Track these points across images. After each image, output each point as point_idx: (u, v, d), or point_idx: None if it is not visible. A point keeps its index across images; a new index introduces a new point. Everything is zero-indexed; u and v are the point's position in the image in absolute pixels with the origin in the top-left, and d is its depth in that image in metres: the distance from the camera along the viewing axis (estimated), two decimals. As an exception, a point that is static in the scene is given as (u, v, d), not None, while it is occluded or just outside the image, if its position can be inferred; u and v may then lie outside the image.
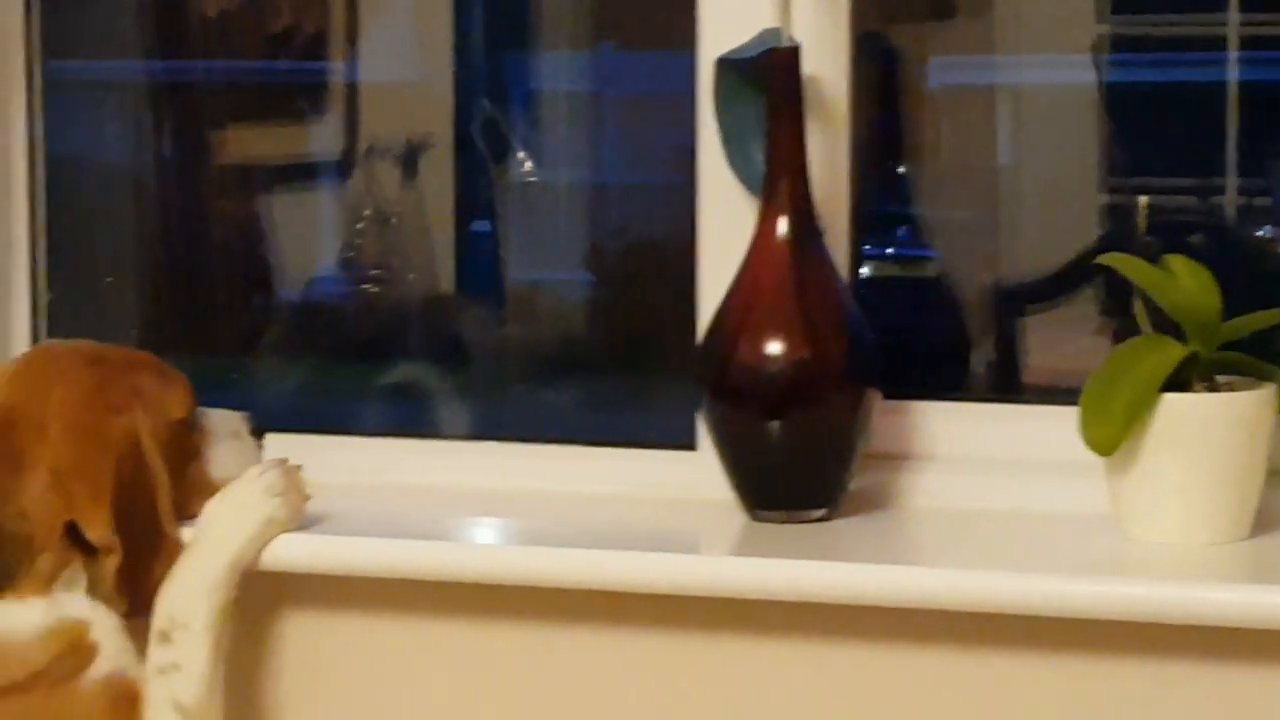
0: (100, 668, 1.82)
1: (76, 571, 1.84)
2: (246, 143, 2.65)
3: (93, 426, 1.85)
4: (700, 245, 2.07)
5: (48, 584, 1.83)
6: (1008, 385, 2.32)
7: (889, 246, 2.41)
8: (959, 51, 2.39)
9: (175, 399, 1.92)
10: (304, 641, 1.99)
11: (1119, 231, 2.40)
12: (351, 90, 2.68)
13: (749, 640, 1.86)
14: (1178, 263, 1.84)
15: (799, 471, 1.91)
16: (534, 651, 1.92)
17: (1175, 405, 1.77)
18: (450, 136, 2.64)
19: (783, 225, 1.91)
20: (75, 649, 1.82)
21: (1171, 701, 1.76)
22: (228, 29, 2.62)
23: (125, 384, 1.89)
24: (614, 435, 2.14)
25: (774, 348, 1.88)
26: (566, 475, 2.10)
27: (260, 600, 1.95)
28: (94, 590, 1.84)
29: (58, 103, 2.36)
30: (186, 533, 1.88)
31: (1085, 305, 2.31)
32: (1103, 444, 1.78)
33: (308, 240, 2.73)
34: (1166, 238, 2.33)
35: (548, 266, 2.66)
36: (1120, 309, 2.15)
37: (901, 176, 2.36)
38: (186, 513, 1.89)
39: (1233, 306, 1.83)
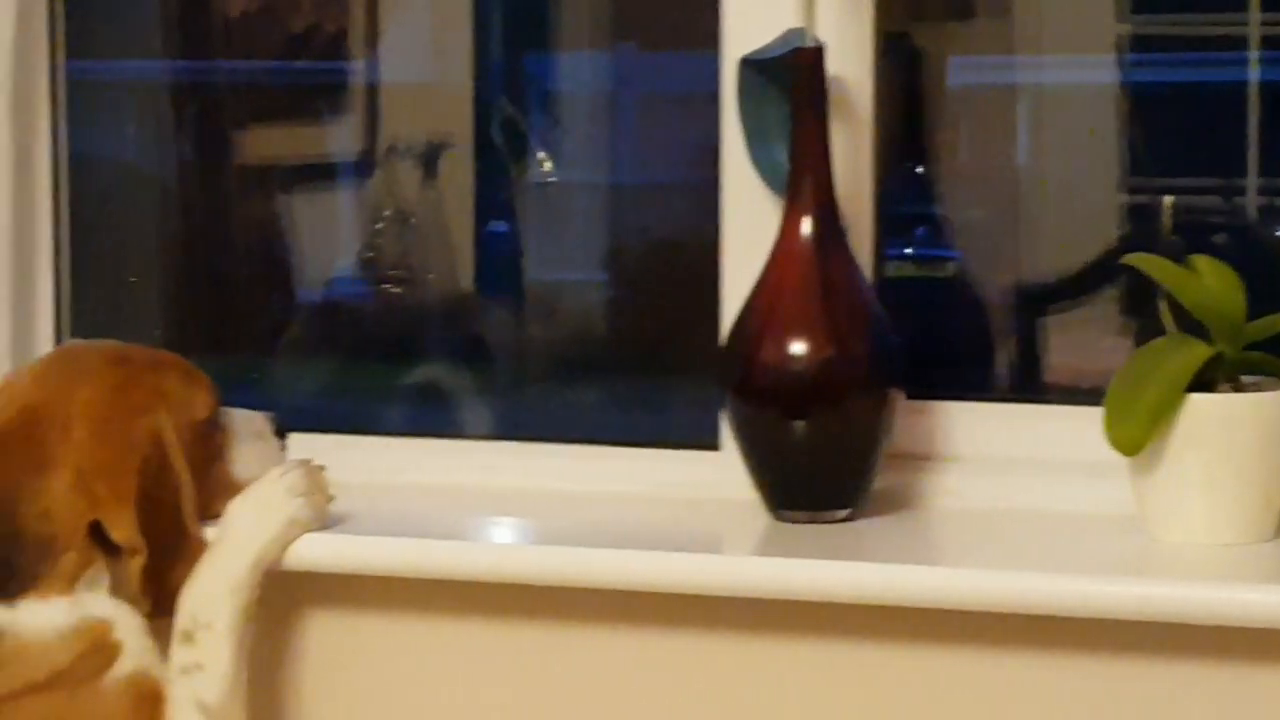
0: (123, 667, 1.82)
1: (100, 571, 1.84)
2: (267, 143, 2.65)
3: (117, 426, 1.85)
4: (724, 245, 2.07)
5: (71, 584, 1.83)
6: (1030, 385, 2.31)
7: (908, 246, 2.41)
8: (978, 51, 2.39)
9: (199, 399, 1.93)
10: (326, 641, 1.99)
11: (1140, 231, 2.39)
12: (372, 90, 2.68)
13: (772, 640, 1.86)
14: (1203, 263, 1.84)
15: (822, 471, 1.91)
16: (556, 651, 1.92)
17: (1200, 405, 1.77)
18: (470, 137, 2.64)
19: (806, 225, 1.91)
20: (98, 648, 1.82)
21: (1197, 702, 1.75)
22: (249, 29, 2.63)
23: (149, 384, 1.89)
24: (636, 435, 2.14)
25: (798, 347, 1.88)
26: (589, 475, 2.10)
27: (283, 600, 1.95)
28: (117, 590, 1.84)
29: (80, 103, 2.37)
30: (210, 533, 1.88)
31: (1106, 305, 2.31)
32: (1128, 444, 1.78)
33: (328, 240, 2.73)
34: (1190, 238, 2.33)
35: (567, 266, 2.66)
36: (1141, 309, 2.15)
37: (920, 176, 2.35)
38: (210, 513, 1.90)
39: (1256, 307, 1.82)
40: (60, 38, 2.33)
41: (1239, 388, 1.81)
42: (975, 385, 2.23)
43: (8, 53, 2.24)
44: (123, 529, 1.82)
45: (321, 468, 1.94)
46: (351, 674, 1.98)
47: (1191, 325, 1.83)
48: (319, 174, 2.69)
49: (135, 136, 2.60)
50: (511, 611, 1.93)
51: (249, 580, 1.86)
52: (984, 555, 1.85)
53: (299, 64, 2.67)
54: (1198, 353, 1.79)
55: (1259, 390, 1.80)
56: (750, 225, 2.01)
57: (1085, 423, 1.85)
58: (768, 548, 1.90)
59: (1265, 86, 2.29)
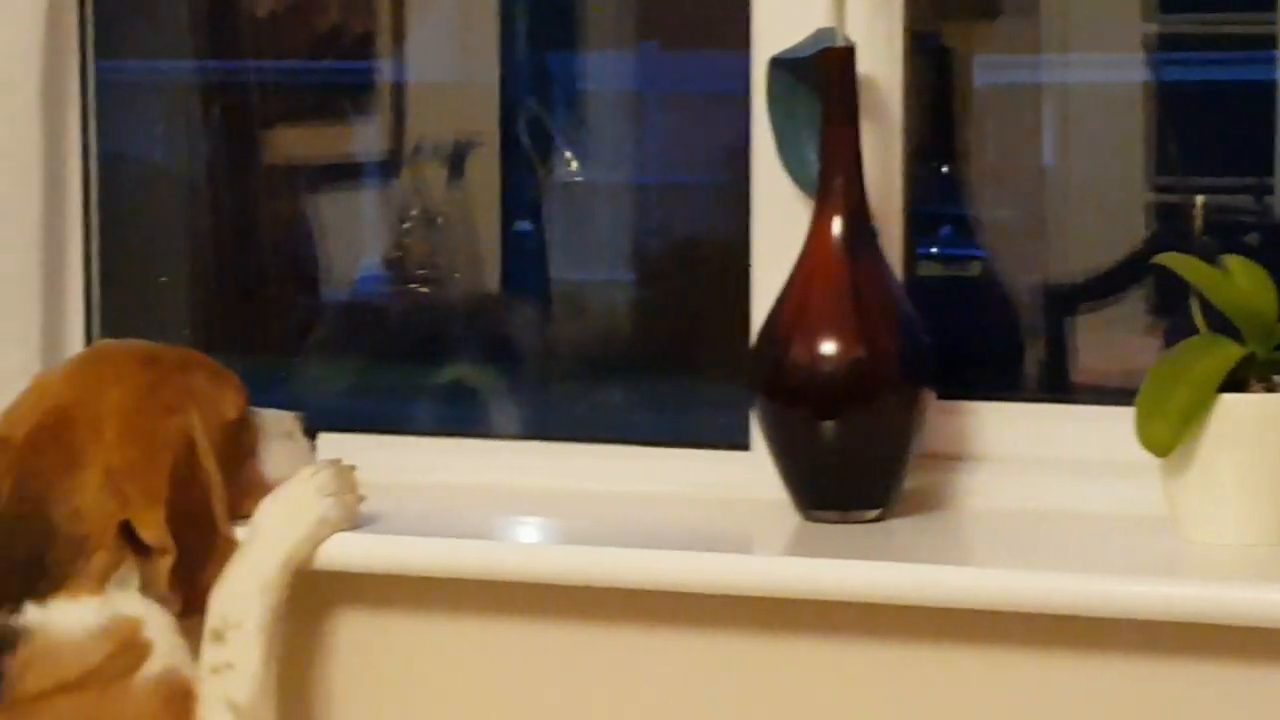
0: (154, 666, 1.82)
1: (130, 571, 1.84)
2: (295, 142, 2.65)
3: (147, 427, 1.85)
4: (754, 245, 2.07)
5: (102, 583, 1.83)
6: (1059, 385, 2.31)
7: (934, 246, 2.41)
8: (1005, 50, 2.38)
9: (229, 399, 1.93)
10: (356, 641, 1.99)
11: (1168, 230, 2.39)
12: (398, 90, 2.69)
13: (802, 640, 1.86)
14: (1235, 263, 1.84)
15: (853, 472, 1.91)
16: (584, 651, 1.92)
17: (1232, 406, 1.77)
18: (496, 136, 2.64)
19: (837, 225, 1.91)
20: (129, 647, 1.82)
21: (1228, 703, 1.75)
22: (277, 30, 2.63)
23: (179, 384, 1.89)
24: (667, 435, 2.14)
25: (828, 348, 1.88)
26: (619, 475, 2.10)
27: (313, 599, 1.95)
28: (147, 589, 1.84)
29: (109, 103, 2.37)
30: (240, 532, 1.88)
31: (1135, 305, 2.30)
32: (1159, 444, 1.77)
33: (355, 240, 2.73)
34: (1218, 237, 2.32)
35: (594, 266, 2.66)
36: (1171, 309, 2.15)
37: (947, 176, 2.35)
38: (240, 512, 1.90)
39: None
40: (90, 38, 2.33)
41: (1271, 388, 1.80)
42: (1004, 385, 2.23)
43: (38, 53, 2.24)
44: (153, 529, 1.82)
45: (352, 467, 1.94)
46: (381, 673, 1.98)
47: (1223, 325, 1.82)
48: (346, 173, 2.70)
49: (164, 136, 2.61)
50: (540, 611, 1.93)
51: (279, 580, 1.86)
52: (1014, 556, 1.85)
53: (326, 64, 2.67)
54: (1229, 353, 1.78)
55: (1291, 390, 1.80)
56: (780, 225, 2.01)
57: (1115, 423, 1.85)
58: (798, 548, 1.90)
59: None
